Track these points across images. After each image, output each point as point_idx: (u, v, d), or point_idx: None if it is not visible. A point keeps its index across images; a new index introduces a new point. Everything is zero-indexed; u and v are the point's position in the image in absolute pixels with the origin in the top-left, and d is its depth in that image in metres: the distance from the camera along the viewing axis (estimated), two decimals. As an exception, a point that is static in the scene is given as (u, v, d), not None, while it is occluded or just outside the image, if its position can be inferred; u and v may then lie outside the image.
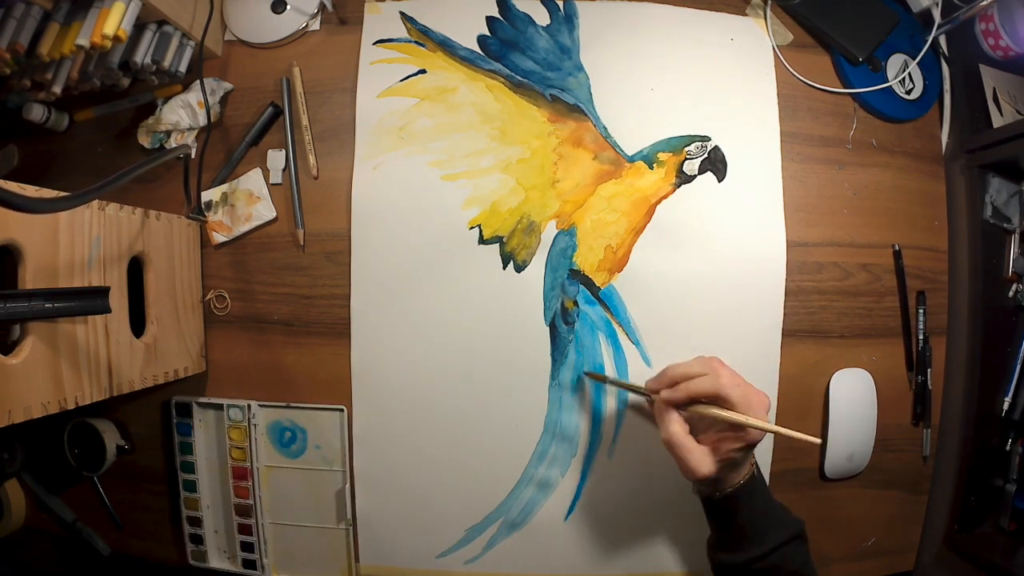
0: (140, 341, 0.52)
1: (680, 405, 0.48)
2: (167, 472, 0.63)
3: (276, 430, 0.61)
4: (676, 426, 0.47)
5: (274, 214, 0.61)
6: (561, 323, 0.59)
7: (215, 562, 0.62)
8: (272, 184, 0.61)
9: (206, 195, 0.61)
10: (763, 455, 0.61)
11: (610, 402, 0.60)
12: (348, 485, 0.60)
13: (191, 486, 0.61)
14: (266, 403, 0.60)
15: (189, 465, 0.61)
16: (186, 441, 0.61)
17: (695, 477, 0.46)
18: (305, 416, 0.60)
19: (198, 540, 0.62)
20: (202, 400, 0.61)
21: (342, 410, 0.60)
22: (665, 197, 0.60)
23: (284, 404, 0.60)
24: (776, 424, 0.60)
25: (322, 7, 0.62)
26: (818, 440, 0.44)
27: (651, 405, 0.52)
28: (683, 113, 0.61)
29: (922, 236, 0.65)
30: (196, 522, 0.62)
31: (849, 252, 0.63)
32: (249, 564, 0.61)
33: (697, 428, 0.48)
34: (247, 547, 0.61)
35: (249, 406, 0.60)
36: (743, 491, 0.48)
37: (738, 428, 0.45)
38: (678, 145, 0.60)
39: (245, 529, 0.61)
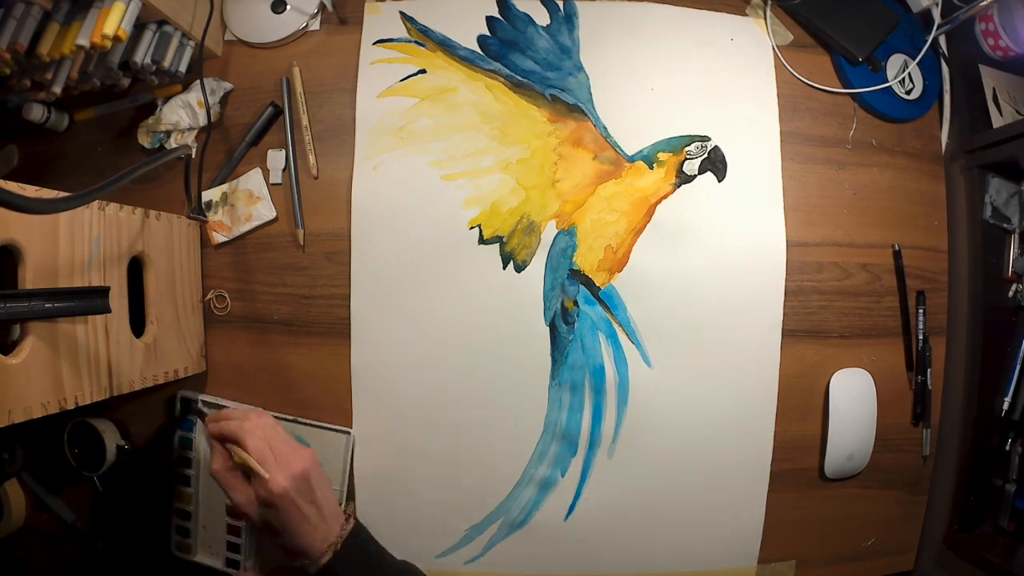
0: (140, 341, 0.52)
1: (218, 439, 0.49)
2: (163, 466, 0.62)
3: None
4: (218, 463, 0.48)
5: (274, 214, 0.61)
6: (561, 323, 0.59)
7: (199, 556, 0.62)
8: (272, 184, 0.61)
9: (206, 195, 0.61)
10: (763, 455, 0.61)
11: (610, 402, 0.60)
12: (342, 506, 0.60)
13: (186, 480, 0.61)
14: (274, 414, 0.60)
15: (186, 460, 0.61)
16: (187, 437, 0.61)
17: (241, 514, 0.47)
18: (311, 432, 0.60)
19: (185, 532, 0.62)
20: (207, 399, 0.61)
21: (349, 433, 0.60)
22: (665, 197, 0.60)
23: (292, 418, 0.60)
24: (775, 424, 0.61)
25: (322, 7, 0.62)
26: (266, 475, 0.45)
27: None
28: (683, 113, 0.61)
29: (922, 236, 0.65)
30: (185, 515, 0.62)
31: (849, 252, 0.63)
32: (233, 564, 0.61)
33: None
34: (233, 547, 0.61)
35: (256, 413, 0.60)
36: (343, 559, 0.47)
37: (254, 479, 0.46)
38: (678, 145, 0.60)
39: (234, 530, 0.61)
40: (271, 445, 0.47)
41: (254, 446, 0.47)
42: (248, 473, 0.47)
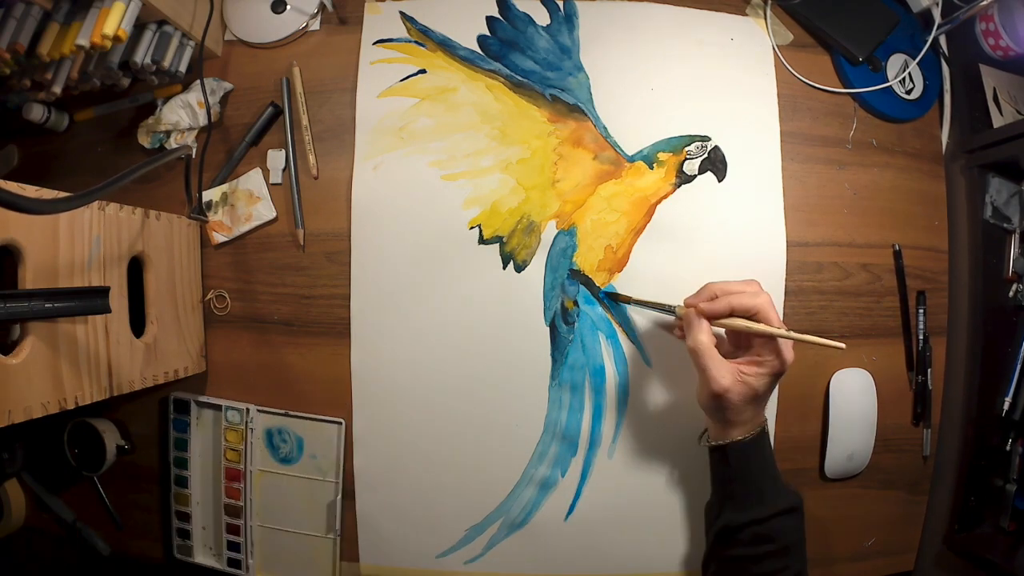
0: (140, 341, 0.52)
1: (713, 318, 0.48)
2: (161, 467, 0.63)
3: (273, 436, 0.61)
4: (705, 336, 0.47)
5: (274, 214, 0.61)
6: (561, 323, 0.59)
7: (200, 558, 0.62)
8: (272, 184, 0.61)
9: (206, 195, 0.61)
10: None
11: (610, 402, 0.60)
12: (340, 497, 0.60)
13: (183, 482, 0.62)
14: (265, 408, 0.60)
15: (182, 461, 0.61)
16: (181, 437, 0.61)
17: (712, 388, 0.46)
18: (303, 425, 0.60)
19: (185, 535, 0.62)
20: (201, 399, 0.61)
21: (341, 423, 0.60)
22: (665, 197, 0.60)
23: (283, 412, 0.60)
24: (775, 424, 0.61)
25: (322, 7, 0.62)
26: (842, 345, 0.46)
27: (680, 321, 0.52)
28: (683, 113, 0.61)
29: (922, 236, 0.65)
30: (184, 517, 0.62)
31: (849, 252, 0.63)
32: (234, 563, 0.61)
33: (722, 351, 0.49)
34: (233, 547, 0.61)
35: (248, 410, 0.60)
36: (753, 444, 0.48)
37: (766, 352, 0.46)
38: (678, 145, 0.60)
39: (233, 529, 0.61)
40: (776, 311, 0.47)
41: (776, 319, 0.46)
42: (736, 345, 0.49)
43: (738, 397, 0.46)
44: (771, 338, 0.47)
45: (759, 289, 0.49)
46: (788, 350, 0.47)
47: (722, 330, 0.52)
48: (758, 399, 0.48)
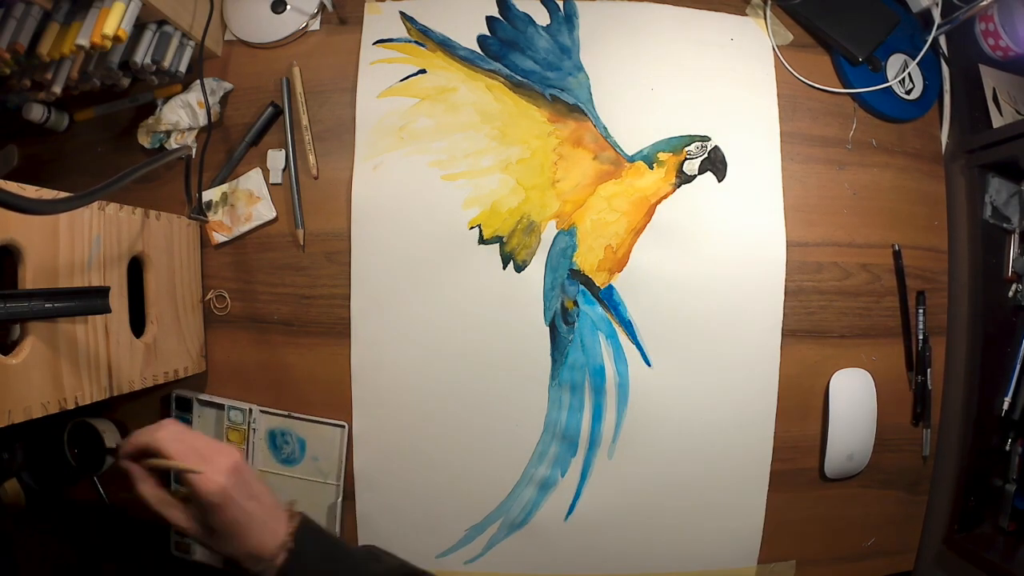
0: (140, 341, 0.52)
1: (137, 460, 0.43)
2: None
3: (274, 437, 0.61)
4: (145, 484, 0.42)
5: (274, 214, 0.61)
6: (561, 323, 0.59)
7: (198, 555, 0.62)
8: (272, 184, 0.61)
9: (206, 195, 0.61)
10: (763, 455, 0.61)
11: (610, 402, 0.60)
12: (340, 499, 0.60)
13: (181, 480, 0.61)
14: (268, 410, 0.60)
15: None
16: None
17: (182, 529, 0.42)
18: (306, 427, 0.60)
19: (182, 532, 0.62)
20: (203, 397, 0.61)
21: (343, 426, 0.60)
22: (665, 197, 0.60)
23: (286, 413, 0.60)
24: (775, 424, 0.61)
25: (322, 7, 0.62)
26: (199, 471, 0.41)
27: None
28: (683, 113, 0.61)
29: (922, 236, 0.65)
30: None
31: (849, 252, 0.63)
32: (233, 562, 0.61)
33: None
34: None
35: (251, 410, 0.60)
36: (297, 557, 0.42)
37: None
38: (678, 145, 0.60)
39: None
40: (192, 446, 0.42)
41: (176, 450, 0.41)
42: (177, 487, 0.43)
43: (204, 534, 0.42)
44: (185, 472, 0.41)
45: (162, 424, 0.43)
46: (200, 479, 0.41)
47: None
48: (223, 537, 0.42)
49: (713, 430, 0.60)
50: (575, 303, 0.59)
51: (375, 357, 0.60)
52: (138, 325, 0.52)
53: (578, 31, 0.61)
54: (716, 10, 0.64)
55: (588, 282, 0.59)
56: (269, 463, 0.61)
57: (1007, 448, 0.62)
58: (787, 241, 0.61)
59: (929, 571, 0.66)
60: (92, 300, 0.45)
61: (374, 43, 0.61)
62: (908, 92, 0.65)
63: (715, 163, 0.60)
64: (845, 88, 0.64)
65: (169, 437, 0.42)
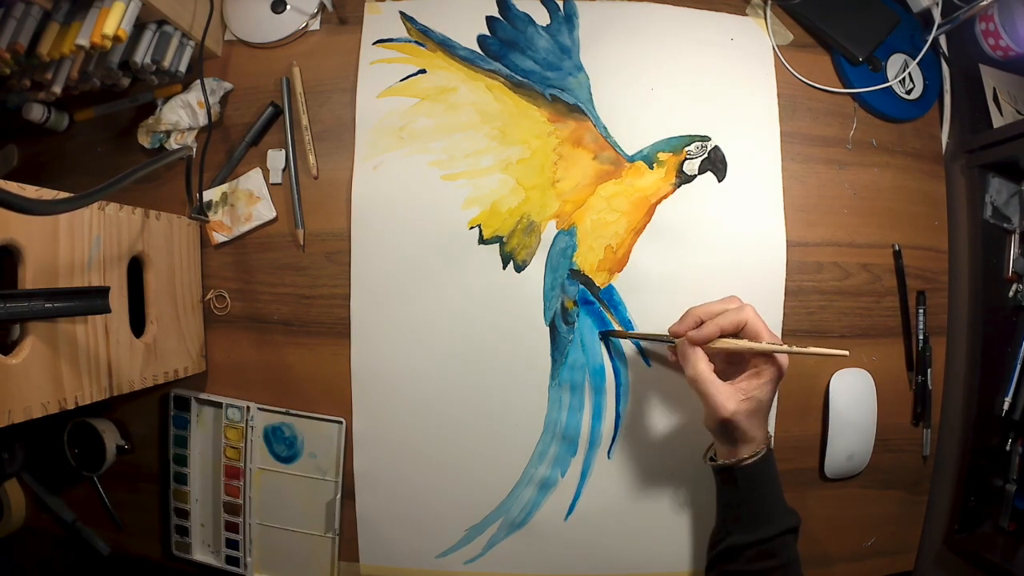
0: (140, 341, 0.52)
1: (705, 344, 0.48)
2: (160, 464, 0.63)
3: (272, 434, 0.61)
4: (703, 364, 0.47)
5: (274, 214, 0.61)
6: (561, 323, 0.59)
7: (198, 555, 0.62)
8: (272, 184, 0.61)
9: (206, 195, 0.61)
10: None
11: (610, 402, 0.60)
12: (339, 496, 0.60)
13: (182, 479, 0.62)
14: (265, 407, 0.60)
15: (182, 458, 0.62)
16: (181, 434, 0.61)
17: (719, 414, 0.46)
18: (303, 424, 0.60)
19: (184, 532, 0.62)
20: (201, 396, 0.61)
21: (341, 422, 0.60)
22: (665, 197, 0.60)
23: (284, 411, 0.60)
24: (775, 424, 0.61)
25: (322, 7, 0.62)
26: (846, 353, 0.45)
27: (673, 352, 0.52)
28: (683, 113, 0.61)
29: (922, 236, 0.65)
30: (183, 514, 0.62)
31: (849, 252, 0.63)
32: (232, 561, 0.61)
33: (720, 375, 0.48)
34: (232, 544, 0.61)
35: (248, 408, 0.60)
36: (762, 465, 0.48)
37: (762, 362, 0.46)
38: (678, 145, 0.60)
39: (232, 527, 0.61)
40: (763, 320, 0.47)
41: (768, 334, 0.46)
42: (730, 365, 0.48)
43: (745, 416, 0.46)
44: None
45: (740, 303, 0.49)
46: (784, 356, 0.47)
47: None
48: (763, 411, 0.48)
49: (713, 430, 0.60)
50: (575, 303, 0.59)
51: (375, 357, 0.60)
52: (138, 325, 0.52)
53: (578, 31, 0.61)
54: (716, 10, 0.64)
55: (588, 282, 0.59)
56: (267, 460, 0.61)
57: (1007, 448, 0.62)
58: (787, 241, 0.61)
59: (929, 571, 0.66)
60: (92, 300, 0.45)
61: (374, 43, 0.61)
62: (908, 92, 0.65)
63: (715, 163, 0.60)
64: (845, 88, 0.64)
65: (758, 316, 0.47)
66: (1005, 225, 0.64)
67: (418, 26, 0.61)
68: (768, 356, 0.47)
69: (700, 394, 0.48)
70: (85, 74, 0.56)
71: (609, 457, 0.60)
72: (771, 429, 0.61)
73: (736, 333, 0.48)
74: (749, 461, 0.48)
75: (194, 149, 0.61)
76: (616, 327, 0.59)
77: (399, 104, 0.60)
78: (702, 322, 0.49)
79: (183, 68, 0.59)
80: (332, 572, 0.61)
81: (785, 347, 0.45)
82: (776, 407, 0.61)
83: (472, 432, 0.60)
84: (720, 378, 0.48)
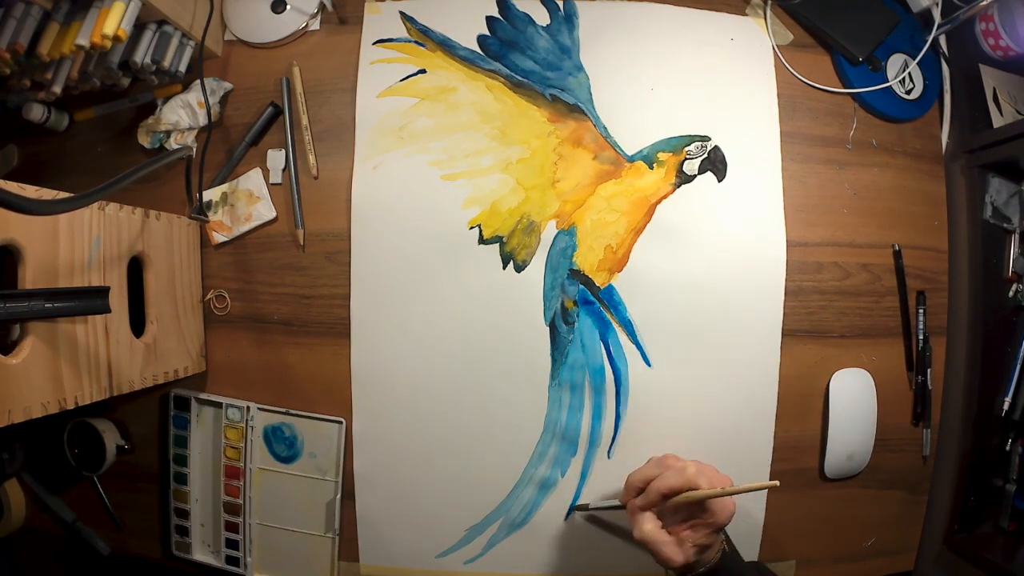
0: (140, 341, 0.52)
1: (650, 509, 0.50)
2: (160, 464, 0.63)
3: (272, 434, 0.61)
4: (648, 524, 0.49)
5: (274, 214, 0.61)
6: (561, 323, 0.59)
7: (198, 555, 0.62)
8: (272, 184, 0.61)
9: (206, 195, 0.61)
10: (763, 456, 0.61)
11: (610, 402, 0.60)
12: (339, 496, 0.60)
13: (182, 479, 0.62)
14: (265, 407, 0.60)
15: (182, 458, 0.62)
16: (181, 434, 0.61)
17: (672, 566, 0.48)
18: (303, 424, 0.60)
19: (184, 532, 0.62)
20: (201, 396, 0.61)
21: (341, 422, 0.60)
22: (665, 197, 0.60)
23: (284, 411, 0.60)
24: (775, 424, 0.61)
25: (322, 7, 0.62)
26: (776, 483, 0.47)
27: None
28: (683, 113, 0.61)
29: (922, 236, 0.65)
30: (183, 514, 0.62)
31: (849, 252, 0.63)
32: (232, 560, 0.61)
33: (667, 521, 0.50)
34: (232, 544, 0.61)
35: (248, 408, 0.60)
36: (716, 571, 0.49)
37: (706, 515, 0.48)
38: (678, 145, 0.60)
39: (232, 527, 0.61)
40: (707, 475, 0.48)
41: (707, 481, 0.47)
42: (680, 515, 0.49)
43: (694, 558, 0.48)
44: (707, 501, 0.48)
45: (680, 464, 0.50)
46: (728, 502, 0.48)
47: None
48: (710, 547, 0.49)
49: (713, 430, 0.60)
50: (575, 303, 0.59)
51: (375, 357, 0.60)
52: (138, 325, 0.52)
53: (578, 31, 0.61)
54: (716, 10, 0.64)
55: (588, 282, 0.59)
56: (267, 460, 0.61)
57: (1007, 448, 0.62)
58: (787, 241, 0.61)
59: (929, 571, 0.66)
60: (92, 300, 0.45)
61: (374, 43, 0.61)
62: (908, 92, 0.65)
63: (715, 163, 0.60)
64: (845, 88, 0.64)
65: (699, 473, 0.48)
66: (1005, 225, 0.64)
67: (418, 26, 0.61)
68: (711, 509, 0.48)
69: (650, 552, 0.49)
70: (85, 74, 0.56)
71: (609, 457, 0.60)
72: (771, 429, 0.61)
73: (679, 492, 0.48)
74: (703, 570, 0.49)
75: (194, 149, 0.61)
76: (616, 327, 0.59)
77: (399, 104, 0.60)
78: (643, 489, 0.51)
79: (183, 68, 0.59)
80: (332, 572, 0.61)
81: (719, 491, 0.46)
82: (776, 407, 0.61)
83: (472, 432, 0.60)
84: (664, 523, 0.49)
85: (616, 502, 0.56)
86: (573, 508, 0.60)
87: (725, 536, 0.51)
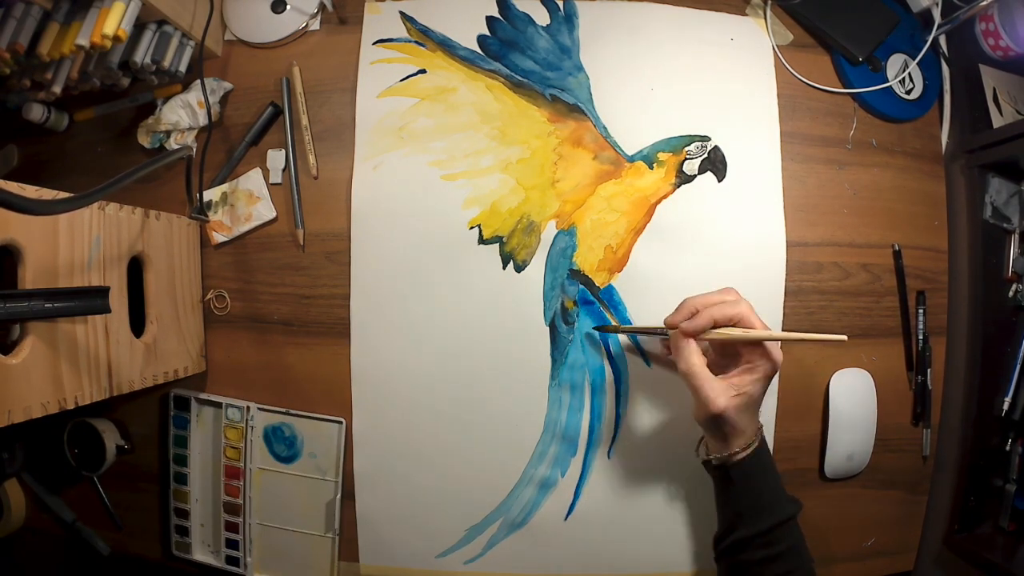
0: (140, 341, 0.52)
1: (698, 335, 0.48)
2: (160, 464, 0.63)
3: (272, 434, 0.61)
4: (695, 357, 0.47)
5: (274, 214, 0.61)
6: (561, 323, 0.59)
7: (198, 555, 0.62)
8: (272, 184, 0.61)
9: (206, 195, 0.61)
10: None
11: (609, 402, 0.60)
12: (339, 496, 0.60)
13: (182, 479, 0.62)
14: (265, 407, 0.60)
15: (182, 458, 0.62)
16: (181, 434, 0.61)
17: (710, 410, 0.46)
18: (303, 424, 0.60)
19: (184, 532, 0.62)
20: (201, 396, 0.61)
21: (341, 422, 0.60)
22: (665, 197, 0.60)
23: (284, 411, 0.60)
24: (775, 424, 0.61)
25: (322, 7, 0.62)
26: (844, 337, 0.45)
27: (667, 345, 0.52)
28: (683, 113, 0.61)
29: (922, 236, 0.65)
30: (183, 514, 0.62)
31: (849, 252, 0.63)
32: (232, 560, 0.61)
33: (713, 369, 0.48)
34: (232, 544, 0.61)
35: (248, 408, 0.60)
36: (755, 459, 0.48)
37: (756, 357, 0.46)
38: (678, 145, 0.60)
39: (232, 527, 0.61)
40: (757, 314, 0.47)
41: (761, 325, 0.46)
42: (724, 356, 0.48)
43: (735, 412, 0.46)
44: (759, 343, 0.46)
45: (737, 296, 0.49)
46: (776, 350, 0.47)
47: (706, 343, 0.51)
48: (754, 406, 0.48)
49: (713, 430, 0.60)
50: (575, 303, 0.59)
51: (375, 357, 0.60)
52: (138, 325, 0.52)
53: (578, 31, 0.61)
54: (716, 10, 0.64)
55: (588, 282, 0.59)
56: (267, 460, 0.61)
57: (1007, 448, 0.62)
58: (787, 241, 0.61)
59: (929, 571, 0.66)
60: (92, 300, 0.45)
61: (374, 43, 0.61)
62: (908, 92, 0.65)
63: (715, 163, 0.60)
64: (845, 88, 0.64)
65: (751, 310, 0.46)
66: (1005, 225, 0.64)
67: (418, 26, 0.61)
68: (762, 351, 0.46)
69: (691, 388, 0.47)
70: (85, 74, 0.56)
71: (609, 457, 0.60)
72: (771, 429, 0.61)
73: (731, 326, 0.48)
74: (741, 455, 0.48)
75: (194, 149, 0.61)
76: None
77: (399, 104, 0.60)
78: (696, 312, 0.48)
79: (183, 68, 0.59)
80: (332, 572, 0.61)
81: (779, 334, 0.45)
82: (776, 407, 0.61)
83: (472, 432, 0.60)
84: (713, 371, 0.48)
85: (659, 326, 0.52)
86: (595, 328, 0.58)
87: (761, 435, 0.49)
